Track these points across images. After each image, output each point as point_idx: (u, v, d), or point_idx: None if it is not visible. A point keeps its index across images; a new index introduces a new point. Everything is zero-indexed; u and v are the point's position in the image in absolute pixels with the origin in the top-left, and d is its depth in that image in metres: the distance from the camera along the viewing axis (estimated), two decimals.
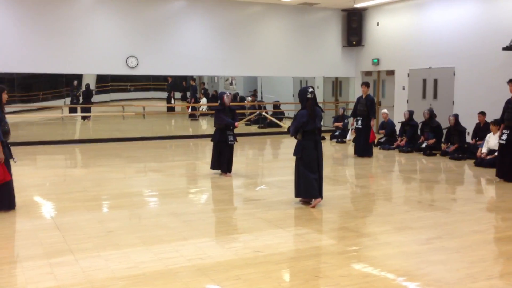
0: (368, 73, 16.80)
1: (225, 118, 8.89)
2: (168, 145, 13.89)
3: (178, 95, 22.04)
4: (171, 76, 20.75)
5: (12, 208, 6.41)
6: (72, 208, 6.66)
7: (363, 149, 11.34)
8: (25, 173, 9.07)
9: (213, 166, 9.07)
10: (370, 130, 11.23)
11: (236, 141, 9.17)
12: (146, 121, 18.01)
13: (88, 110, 19.03)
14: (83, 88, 21.38)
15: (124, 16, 14.08)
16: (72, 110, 20.01)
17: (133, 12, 14.12)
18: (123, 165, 10.41)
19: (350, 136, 13.37)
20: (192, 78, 21.16)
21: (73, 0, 13.47)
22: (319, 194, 6.71)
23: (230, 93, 9.22)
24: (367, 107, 11.22)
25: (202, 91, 24.67)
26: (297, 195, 6.81)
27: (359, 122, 11.36)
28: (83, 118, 18.94)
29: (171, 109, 21.26)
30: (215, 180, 8.83)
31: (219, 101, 9.05)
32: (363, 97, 11.34)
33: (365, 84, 11.39)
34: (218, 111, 9.01)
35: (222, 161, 8.96)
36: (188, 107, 21.02)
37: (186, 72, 16.63)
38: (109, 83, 28.00)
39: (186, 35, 14.80)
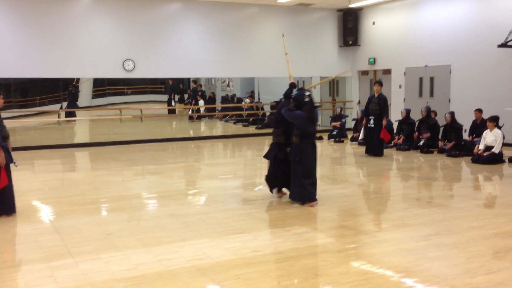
0: (365, 72, 16.84)
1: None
2: (166, 147, 13.91)
3: (176, 97, 22.04)
4: (171, 79, 20.77)
5: (12, 212, 6.42)
6: (71, 211, 6.67)
7: (375, 148, 11.26)
8: (23, 177, 9.07)
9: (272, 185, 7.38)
10: (382, 129, 11.17)
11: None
12: (144, 124, 18.00)
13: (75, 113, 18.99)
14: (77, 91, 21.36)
15: (121, 19, 14.09)
16: (68, 114, 19.94)
17: (129, 15, 14.14)
18: (121, 168, 10.42)
19: (362, 135, 12.98)
20: (193, 80, 21.17)
21: (69, 4, 13.48)
22: (314, 197, 6.76)
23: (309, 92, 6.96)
24: (379, 106, 11.14)
25: (199, 93, 24.69)
26: (292, 198, 6.86)
27: (371, 121, 11.26)
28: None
29: (172, 112, 21.28)
30: (214, 182, 8.85)
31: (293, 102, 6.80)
32: (375, 96, 11.24)
33: (378, 83, 11.31)
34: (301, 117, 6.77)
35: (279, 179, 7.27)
36: (189, 109, 21.05)
37: (183, 74, 16.65)
38: (106, 86, 28.01)
39: (182, 37, 14.83)
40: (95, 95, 27.50)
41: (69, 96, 21.09)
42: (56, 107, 21.65)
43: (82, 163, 12.17)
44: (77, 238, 5.45)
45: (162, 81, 22.64)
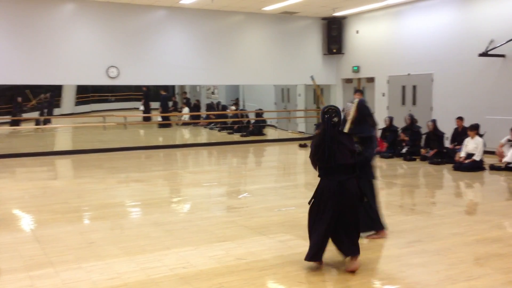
0: (349, 81, 16.98)
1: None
2: (150, 155, 13.83)
3: (157, 104, 22.00)
4: (146, 86, 20.73)
5: None
6: (52, 220, 6.59)
7: None
8: (4, 186, 8.95)
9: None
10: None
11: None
12: (128, 131, 17.91)
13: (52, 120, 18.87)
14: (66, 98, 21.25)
15: (105, 26, 14.02)
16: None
17: (113, 22, 14.08)
18: (104, 176, 10.33)
19: None
20: (163, 88, 21.09)
21: (53, 11, 13.37)
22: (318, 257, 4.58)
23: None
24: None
25: (184, 100, 24.66)
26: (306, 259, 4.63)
27: None
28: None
29: (147, 119, 21.23)
30: (198, 189, 8.82)
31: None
32: None
33: (359, 92, 10.44)
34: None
35: None
36: (165, 117, 21.00)
37: (168, 81, 16.62)
38: (89, 93, 27.81)
39: (167, 44, 14.80)
40: (79, 102, 27.30)
41: (46, 104, 20.95)
42: (37, 114, 21.49)
43: (65, 170, 12.04)
44: (58, 247, 5.38)
45: (164, 89, 22.64)
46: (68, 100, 25.68)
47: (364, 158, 5.27)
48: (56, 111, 23.00)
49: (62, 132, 19.20)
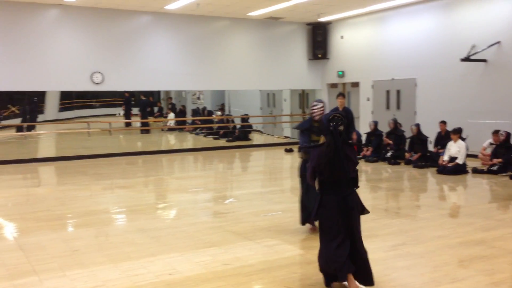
0: (334, 85, 17.09)
1: (305, 141, 5.88)
2: (136, 161, 13.75)
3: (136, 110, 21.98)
4: (128, 92, 20.65)
5: None
6: (35, 228, 6.51)
7: None
8: None
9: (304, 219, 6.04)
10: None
11: None
12: (112, 137, 17.79)
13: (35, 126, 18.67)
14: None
15: (89, 32, 13.94)
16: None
17: (98, 28, 14.00)
18: (89, 183, 10.24)
19: None
20: (143, 93, 21.01)
21: (36, 16, 13.26)
22: (349, 268, 4.10)
23: (321, 102, 5.94)
24: (347, 120, 10.65)
25: (170, 106, 24.59)
26: (321, 270, 4.30)
27: None
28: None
29: (128, 125, 21.15)
30: (184, 195, 8.79)
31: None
32: (340, 109, 10.14)
33: (342, 95, 10.42)
34: (301, 131, 5.98)
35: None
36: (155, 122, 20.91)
37: (153, 87, 16.56)
38: (73, 99, 27.57)
39: (152, 49, 14.76)
40: (62, 108, 27.05)
41: (29, 109, 20.73)
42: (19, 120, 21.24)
43: (48, 178, 11.90)
44: (42, 255, 5.31)
45: (132, 94, 22.49)
46: (51, 106, 25.44)
47: None
48: (40, 117, 22.76)
49: (46, 138, 19.01)
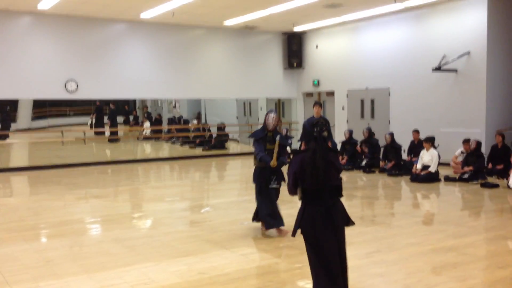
0: (309, 94, 17.27)
1: (261, 150, 6.28)
2: (110, 170, 13.59)
3: (120, 119, 21.67)
4: (99, 100, 20.39)
5: None
6: (7, 238, 6.38)
7: None
8: None
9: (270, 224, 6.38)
10: None
11: (280, 184, 6.39)
12: (87, 146, 17.56)
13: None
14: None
15: (63, 40, 13.77)
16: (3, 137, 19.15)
17: (72, 35, 13.84)
18: (63, 192, 10.08)
19: None
20: (112, 103, 20.73)
21: (9, 23, 13.03)
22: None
23: (274, 113, 6.38)
24: None
25: (145, 114, 24.40)
26: None
27: None
28: None
29: (99, 134, 20.82)
30: (160, 204, 8.73)
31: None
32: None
33: (318, 104, 10.04)
34: (256, 139, 6.37)
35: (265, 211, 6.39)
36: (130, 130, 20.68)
37: (128, 95, 16.41)
38: (47, 108, 27.14)
39: (127, 58, 14.67)
40: (35, 117, 26.57)
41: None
42: None
43: (21, 187, 11.67)
44: (15, 266, 5.21)
45: (107, 103, 22.19)
46: (24, 115, 24.94)
47: (281, 162, 6.24)
48: (12, 126, 22.29)
49: (18, 147, 18.63)
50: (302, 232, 3.77)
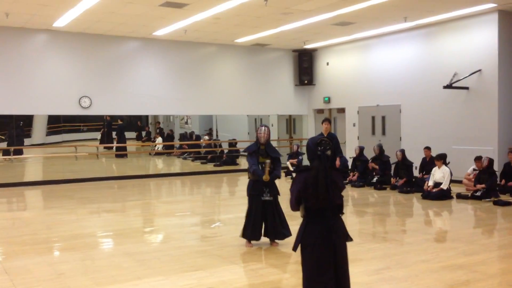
0: (320, 111, 17.32)
1: (254, 163, 6.52)
2: (123, 185, 13.71)
3: (132, 134, 21.83)
4: (110, 116, 20.57)
5: None
6: (21, 251, 6.47)
7: None
8: None
9: (249, 235, 6.60)
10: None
11: (271, 197, 6.55)
12: (100, 161, 17.75)
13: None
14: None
15: (77, 56, 14.04)
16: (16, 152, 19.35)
17: (86, 52, 14.11)
18: (75, 207, 10.19)
19: None
20: (121, 118, 20.91)
21: (25, 40, 13.35)
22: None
23: (266, 127, 6.63)
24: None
25: (158, 130, 24.62)
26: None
27: None
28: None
29: (110, 149, 20.97)
30: (171, 219, 8.79)
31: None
32: (325, 134, 10.08)
33: (327, 121, 10.39)
34: (249, 153, 6.64)
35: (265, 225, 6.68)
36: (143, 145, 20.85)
37: (141, 111, 16.62)
38: (61, 123, 27.49)
39: (140, 74, 14.89)
40: (50, 132, 26.92)
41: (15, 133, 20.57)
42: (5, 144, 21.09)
43: (34, 201, 11.82)
44: (27, 278, 5.29)
45: (121, 118, 22.43)
46: (39, 130, 25.31)
47: (275, 175, 6.46)
48: (27, 141, 22.62)
49: (33, 162, 18.89)
50: (302, 249, 3.83)
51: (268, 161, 6.42)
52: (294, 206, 3.90)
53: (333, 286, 3.73)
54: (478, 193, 10.38)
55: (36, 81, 13.46)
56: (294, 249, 3.87)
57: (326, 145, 3.81)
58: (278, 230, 6.53)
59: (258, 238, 6.59)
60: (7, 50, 13.11)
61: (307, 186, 3.74)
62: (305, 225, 3.81)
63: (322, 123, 10.52)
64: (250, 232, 6.56)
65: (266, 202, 6.50)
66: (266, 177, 6.36)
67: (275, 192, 6.55)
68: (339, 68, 16.29)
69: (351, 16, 11.90)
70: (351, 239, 3.98)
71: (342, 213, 3.90)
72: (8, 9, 11.11)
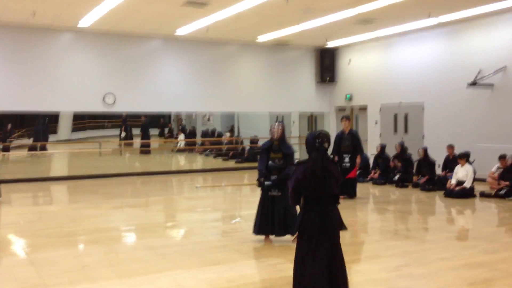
0: (342, 109, 17.26)
1: (262, 162, 6.57)
2: (145, 181, 13.92)
3: (155, 131, 22.04)
4: (127, 113, 20.78)
5: None
6: (47, 244, 6.66)
7: (349, 189, 10.16)
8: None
9: (257, 229, 6.63)
10: (355, 168, 10.25)
11: (279, 193, 6.48)
12: (123, 157, 18.03)
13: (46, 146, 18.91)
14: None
15: (102, 54, 14.31)
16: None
17: (110, 51, 14.37)
18: (100, 201, 10.41)
19: None
20: (144, 115, 21.11)
21: (50, 38, 13.67)
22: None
23: (279, 122, 6.66)
24: (352, 143, 10.17)
25: (180, 127, 24.86)
26: None
27: (346, 160, 10.16)
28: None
29: (129, 145, 21.18)
30: (192, 215, 8.92)
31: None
32: (346, 132, 10.33)
33: (346, 118, 10.36)
34: (261, 150, 6.72)
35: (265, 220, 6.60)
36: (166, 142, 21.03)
37: (164, 108, 16.79)
38: (86, 120, 27.97)
39: (163, 72, 15.08)
40: (75, 129, 27.43)
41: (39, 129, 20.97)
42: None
43: (60, 196, 12.11)
44: (53, 270, 5.46)
45: (144, 115, 22.65)
46: (64, 127, 25.83)
47: (285, 173, 6.20)
48: (53, 137, 23.11)
49: (58, 158, 19.30)
50: (299, 234, 4.07)
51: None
52: (293, 199, 4.14)
53: (326, 276, 3.94)
54: (502, 192, 10.23)
55: (62, 79, 13.78)
56: (293, 233, 4.10)
57: (324, 138, 4.06)
58: (280, 227, 6.44)
59: (264, 233, 6.57)
60: (34, 49, 13.45)
61: (306, 176, 3.99)
62: (303, 213, 4.06)
63: (341, 120, 10.52)
64: (256, 227, 6.58)
65: (274, 198, 6.47)
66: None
67: (283, 188, 6.33)
68: (361, 66, 16.20)
69: (373, 13, 11.81)
70: (345, 228, 4.18)
71: (338, 203, 4.15)
72: (35, 8, 11.37)
